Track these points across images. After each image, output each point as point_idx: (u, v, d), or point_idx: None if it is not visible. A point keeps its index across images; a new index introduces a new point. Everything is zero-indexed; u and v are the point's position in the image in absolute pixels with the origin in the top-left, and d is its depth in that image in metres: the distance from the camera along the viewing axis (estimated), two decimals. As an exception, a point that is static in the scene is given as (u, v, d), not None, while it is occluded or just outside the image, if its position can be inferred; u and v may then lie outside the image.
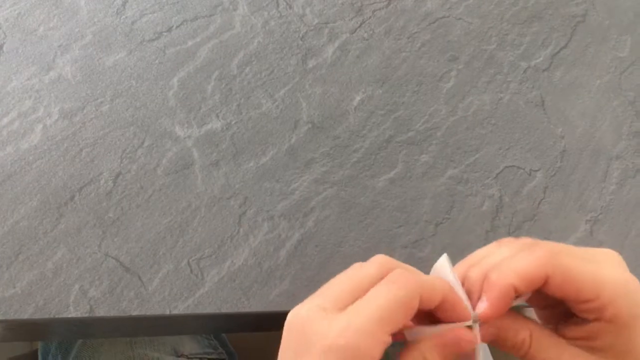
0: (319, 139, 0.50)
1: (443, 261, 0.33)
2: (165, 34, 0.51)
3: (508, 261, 0.30)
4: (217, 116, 0.49)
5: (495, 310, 0.30)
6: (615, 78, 0.60)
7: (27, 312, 0.39)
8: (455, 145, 0.52)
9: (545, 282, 0.29)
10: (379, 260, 0.32)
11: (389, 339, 0.29)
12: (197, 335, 0.52)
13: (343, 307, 0.30)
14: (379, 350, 0.28)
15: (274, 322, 0.45)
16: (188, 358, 0.50)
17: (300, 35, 0.54)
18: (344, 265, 0.44)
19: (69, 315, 0.39)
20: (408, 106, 0.53)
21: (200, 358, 0.51)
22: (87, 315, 0.40)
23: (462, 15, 0.60)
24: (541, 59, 0.59)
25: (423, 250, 0.47)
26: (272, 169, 0.47)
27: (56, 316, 0.39)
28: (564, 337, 0.31)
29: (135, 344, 0.49)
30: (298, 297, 0.43)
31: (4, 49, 0.48)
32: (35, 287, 0.40)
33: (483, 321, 0.31)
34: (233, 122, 0.49)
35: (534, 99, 0.57)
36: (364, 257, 0.43)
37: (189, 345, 0.51)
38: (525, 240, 0.31)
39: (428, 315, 0.32)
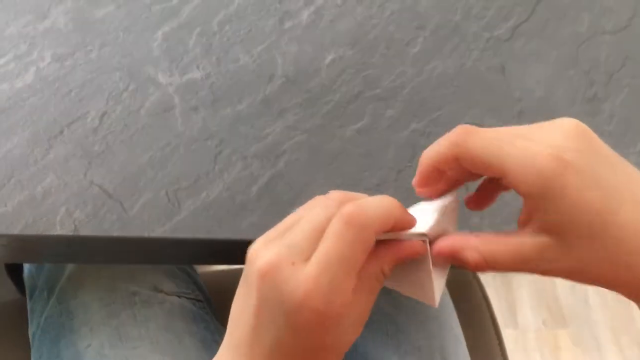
0: (292, 92, 0.54)
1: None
2: (152, -8, 0.55)
3: (432, 145, 0.34)
4: (198, 67, 0.53)
5: (420, 181, 0.35)
6: (573, 50, 0.65)
7: (17, 228, 0.42)
8: (420, 102, 0.56)
9: (459, 160, 0.32)
10: (335, 198, 0.34)
11: (355, 279, 0.31)
12: (175, 275, 0.56)
13: (308, 257, 0.31)
14: (347, 293, 0.31)
15: (245, 253, 0.48)
16: (166, 294, 0.54)
17: (278, -1, 0.58)
18: (311, 201, 0.47)
19: (55, 233, 0.43)
20: (377, 66, 0.57)
21: (178, 295, 0.54)
22: (71, 234, 0.43)
23: (430, -11, 0.64)
24: (503, 30, 0.64)
25: (385, 193, 0.51)
26: (247, 115, 0.51)
27: (43, 233, 0.43)
28: (519, 224, 0.32)
29: (116, 279, 0.52)
30: (267, 227, 0.46)
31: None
32: (25, 207, 0.43)
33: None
34: (212, 73, 0.53)
35: (495, 66, 0.61)
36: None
37: (167, 283, 0.55)
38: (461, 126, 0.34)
39: None
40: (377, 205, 0.33)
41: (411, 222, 0.34)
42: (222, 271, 0.70)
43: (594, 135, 0.31)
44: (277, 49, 0.55)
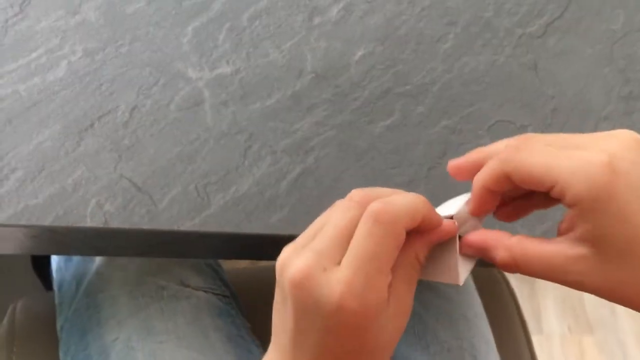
0: (322, 87, 0.53)
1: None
2: (182, -12, 0.55)
3: (485, 166, 0.33)
4: (227, 62, 0.52)
5: (475, 206, 0.34)
6: (607, 48, 0.63)
7: (48, 220, 0.43)
8: (450, 99, 0.56)
9: (511, 179, 0.32)
10: (358, 199, 0.33)
11: (388, 279, 0.31)
12: (202, 271, 0.56)
13: (339, 261, 0.31)
14: (383, 293, 0.31)
15: (274, 249, 0.48)
16: (193, 289, 0.53)
17: (308, -5, 0.58)
18: (340, 197, 0.47)
19: (86, 225, 0.43)
20: (407, 63, 0.57)
21: (204, 291, 0.54)
22: (101, 226, 0.43)
23: (461, -15, 0.63)
24: (536, 27, 0.62)
25: (415, 190, 0.50)
26: (277, 110, 0.51)
27: (74, 225, 0.43)
28: (559, 232, 0.32)
29: (144, 273, 0.53)
30: (296, 223, 0.46)
31: (35, -5, 0.52)
32: (56, 199, 0.43)
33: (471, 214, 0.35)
34: (242, 68, 0.52)
35: (527, 63, 0.60)
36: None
37: (194, 278, 0.54)
38: (506, 143, 0.33)
39: None
40: (403, 201, 0.33)
41: (438, 219, 0.34)
42: (249, 269, 0.70)
43: None
44: (307, 44, 0.55)
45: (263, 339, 0.58)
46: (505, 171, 0.32)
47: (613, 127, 0.58)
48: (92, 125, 0.47)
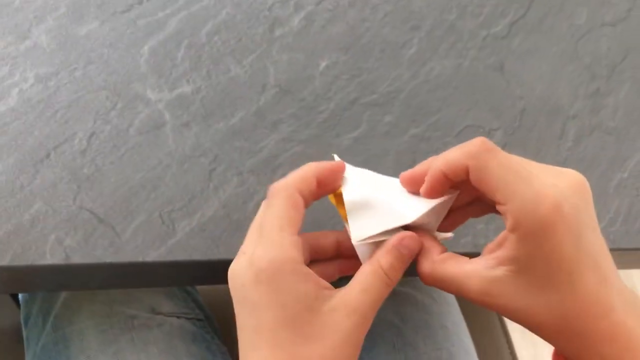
0: (286, 102, 0.52)
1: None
2: (136, 6, 0.53)
3: (446, 151, 0.34)
4: (187, 81, 0.51)
5: (428, 189, 0.35)
6: (572, 45, 0.63)
7: (5, 259, 0.41)
8: (418, 106, 0.55)
9: (467, 173, 0.32)
10: (272, 192, 0.36)
11: (296, 239, 0.34)
12: (174, 296, 0.54)
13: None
14: (291, 250, 0.33)
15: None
16: (165, 315, 0.52)
17: (267, 6, 0.56)
18: (311, 216, 0.46)
19: (46, 262, 0.41)
20: (371, 71, 0.56)
21: (177, 316, 0.53)
22: (62, 262, 0.42)
23: (423, -12, 0.62)
24: (500, 27, 0.62)
25: (387, 203, 0.49)
26: (241, 129, 0.50)
27: (33, 263, 0.41)
28: (485, 251, 0.33)
29: (113, 303, 0.51)
30: (266, 245, 0.45)
31: (-19, 21, 0.50)
32: (13, 236, 0.42)
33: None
34: (203, 87, 0.51)
35: (493, 64, 0.59)
36: (330, 209, 0.46)
37: (166, 304, 0.53)
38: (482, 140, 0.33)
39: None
40: (294, 172, 0.37)
41: (334, 167, 0.37)
42: (223, 288, 0.68)
43: (591, 198, 0.32)
44: (269, 58, 0.54)
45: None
46: (469, 164, 0.32)
47: (581, 126, 0.58)
48: (48, 155, 0.45)
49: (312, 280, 0.33)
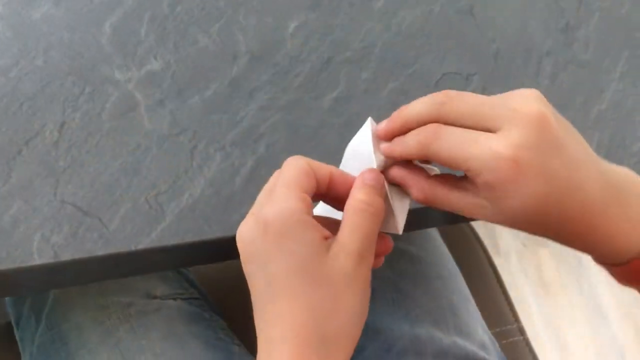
0: (260, 68, 0.50)
1: (367, 122, 0.40)
2: (90, -18, 0.50)
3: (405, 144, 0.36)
4: (155, 57, 0.49)
5: (389, 133, 0.38)
6: (539, -20, 0.62)
7: (-8, 265, 0.39)
8: (393, 59, 0.54)
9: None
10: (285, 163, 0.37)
11: (303, 195, 0.34)
12: (167, 278, 0.53)
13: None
14: (297, 202, 0.34)
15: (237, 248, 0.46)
16: (162, 299, 0.51)
17: (227, -31, 0.54)
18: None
19: (35, 263, 0.40)
20: (342, 27, 0.54)
21: (173, 298, 0.52)
22: (52, 260, 0.40)
23: None
24: (466, -31, 0.60)
25: (374, 161, 0.49)
26: (218, 101, 0.48)
27: (21, 265, 0.39)
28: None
29: (107, 293, 0.50)
30: (259, 218, 0.44)
31: None
32: (-4, 240, 0.40)
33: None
34: (172, 61, 0.49)
35: (464, 8, 0.58)
36: (318, 173, 0.45)
37: (160, 287, 0.52)
38: (436, 99, 0.35)
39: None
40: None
41: (348, 175, 0.38)
42: (216, 265, 0.68)
43: (553, 121, 0.34)
44: (236, 24, 0.52)
45: (240, 334, 0.57)
46: (423, 154, 0.35)
47: (556, 61, 0.58)
48: (19, 152, 0.43)
49: (317, 229, 0.34)
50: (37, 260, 0.40)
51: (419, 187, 0.37)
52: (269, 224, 0.33)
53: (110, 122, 0.45)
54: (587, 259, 1.52)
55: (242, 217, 0.44)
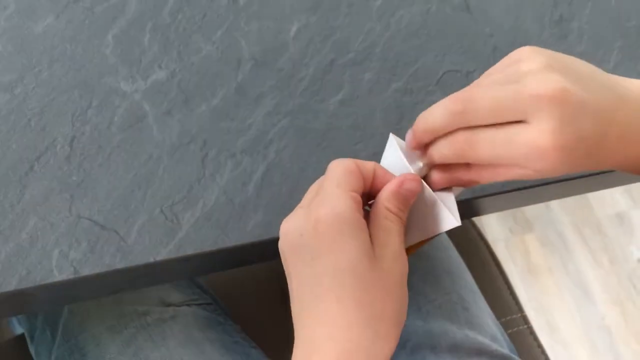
0: (264, 74, 0.50)
1: (390, 139, 0.40)
2: (89, -8, 0.50)
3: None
4: (160, 66, 0.49)
5: (415, 146, 0.38)
6: (531, -27, 0.63)
7: (12, 284, 0.39)
8: (394, 59, 0.54)
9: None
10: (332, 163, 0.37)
11: (354, 194, 0.34)
12: (179, 284, 0.54)
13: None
14: (349, 201, 0.34)
15: (255, 254, 0.46)
16: (176, 306, 0.51)
17: (226, -26, 0.54)
18: (311, 187, 0.45)
19: (55, 280, 0.40)
20: (343, 29, 0.54)
21: (187, 304, 0.52)
22: (72, 276, 0.40)
23: None
24: (460, -35, 0.61)
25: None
26: (225, 109, 0.48)
27: (42, 283, 0.39)
28: None
29: (122, 302, 0.50)
30: (274, 225, 0.45)
31: None
32: (15, 258, 0.40)
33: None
34: (177, 70, 0.49)
35: (460, 5, 0.59)
36: (329, 177, 0.45)
37: (173, 294, 0.52)
38: (452, 108, 0.35)
39: None
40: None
41: (389, 174, 0.38)
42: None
43: (571, 88, 0.33)
44: (238, 30, 0.52)
45: (254, 335, 0.57)
46: (463, 157, 0.36)
47: (552, 55, 0.59)
48: (31, 168, 0.43)
49: (366, 230, 0.34)
50: (57, 277, 0.40)
51: (466, 182, 0.38)
52: (320, 221, 0.33)
53: (120, 134, 0.45)
54: (572, 241, 1.55)
55: (258, 223, 0.45)
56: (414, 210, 0.39)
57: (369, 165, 0.37)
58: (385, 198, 0.36)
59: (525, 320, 0.64)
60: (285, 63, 0.51)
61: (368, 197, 0.38)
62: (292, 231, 0.35)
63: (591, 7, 0.63)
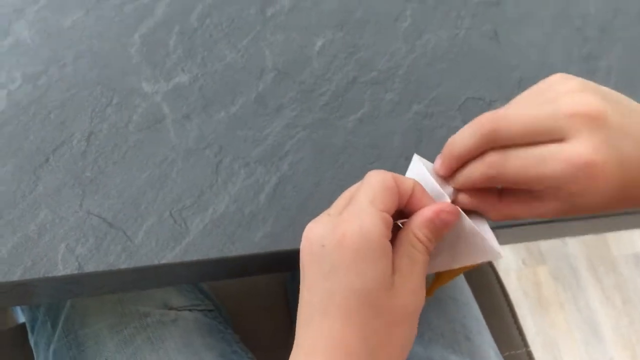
0: (286, 85, 0.50)
1: (415, 160, 0.39)
2: (120, -9, 0.50)
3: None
4: (183, 70, 0.49)
5: (446, 172, 0.37)
6: (563, 7, 0.62)
7: (16, 274, 0.39)
8: (418, 81, 0.54)
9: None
10: (369, 174, 0.37)
11: (385, 215, 0.33)
12: (182, 288, 0.53)
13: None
14: (379, 222, 0.33)
15: (260, 265, 0.46)
16: (178, 310, 0.51)
17: (257, -16, 0.54)
18: (323, 203, 0.45)
19: (59, 274, 0.40)
20: (368, 47, 0.54)
21: (189, 309, 0.52)
22: (76, 272, 0.40)
23: (412, -45, 0.61)
24: (491, -7, 0.61)
25: (396, 184, 0.49)
26: (243, 117, 0.48)
27: (46, 275, 0.39)
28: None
29: (124, 301, 0.50)
30: (282, 237, 0.44)
31: (-44, 17, 0.46)
32: (22, 249, 0.40)
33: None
34: (199, 75, 0.49)
35: (488, 33, 0.59)
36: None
37: (176, 298, 0.52)
38: (482, 129, 0.34)
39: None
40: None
41: (427, 194, 0.37)
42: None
43: (608, 109, 0.33)
44: (264, 39, 0.52)
45: (252, 345, 0.57)
46: (491, 183, 0.35)
47: (578, 91, 0.58)
48: (47, 160, 0.43)
49: (390, 257, 0.33)
50: (61, 271, 0.40)
51: (496, 211, 0.36)
52: (346, 237, 0.32)
53: (137, 133, 0.45)
54: (585, 277, 1.52)
55: (265, 235, 0.44)
56: (447, 236, 0.37)
57: (408, 182, 0.36)
58: (417, 225, 0.35)
59: (529, 356, 0.63)
60: (307, 76, 0.51)
61: (400, 214, 0.37)
62: (315, 239, 0.34)
63: (622, 45, 0.62)
